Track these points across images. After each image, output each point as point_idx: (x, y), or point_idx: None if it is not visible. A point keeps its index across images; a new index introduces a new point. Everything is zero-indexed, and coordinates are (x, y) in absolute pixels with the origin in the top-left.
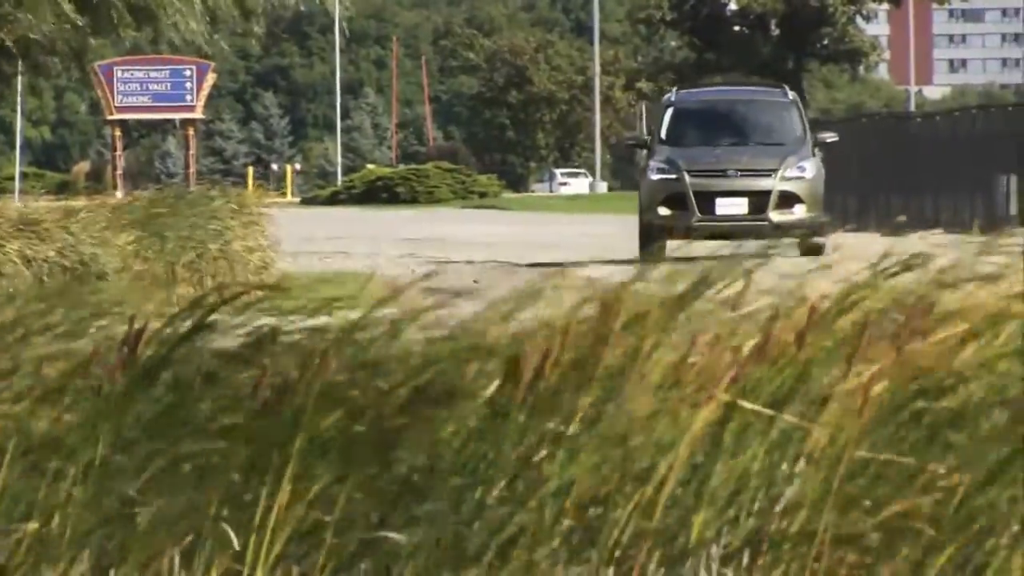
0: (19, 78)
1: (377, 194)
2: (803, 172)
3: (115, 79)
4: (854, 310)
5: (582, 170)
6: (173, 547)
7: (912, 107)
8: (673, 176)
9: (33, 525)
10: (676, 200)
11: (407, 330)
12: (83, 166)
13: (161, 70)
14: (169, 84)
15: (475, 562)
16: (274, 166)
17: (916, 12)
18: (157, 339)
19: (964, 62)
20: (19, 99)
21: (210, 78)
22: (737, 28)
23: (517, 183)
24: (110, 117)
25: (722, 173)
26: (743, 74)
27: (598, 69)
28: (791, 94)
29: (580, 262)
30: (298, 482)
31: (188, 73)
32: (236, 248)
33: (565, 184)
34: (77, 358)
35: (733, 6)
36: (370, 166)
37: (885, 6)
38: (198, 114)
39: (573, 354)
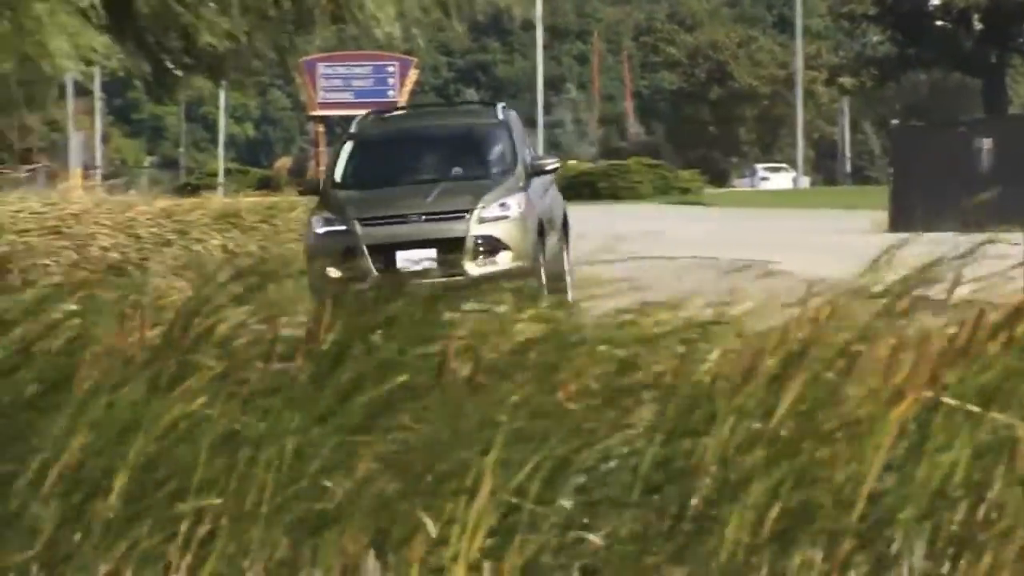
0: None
1: (578, 189)
2: (506, 210)
3: (318, 75)
4: None
5: (784, 165)
6: (366, 535)
7: None
8: (341, 228)
9: (218, 503)
10: (347, 256)
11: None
12: (285, 162)
13: (364, 66)
14: (372, 80)
15: (677, 560)
16: None
17: None
18: (336, 329)
19: None
20: (223, 96)
21: (412, 74)
22: (939, 23)
23: (719, 178)
24: (313, 113)
25: (402, 219)
26: (945, 69)
27: (801, 64)
28: (503, 113)
29: (772, 260)
30: (500, 469)
31: (391, 69)
32: None
33: (766, 179)
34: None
35: (935, 1)
36: (572, 161)
37: None
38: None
39: (782, 353)
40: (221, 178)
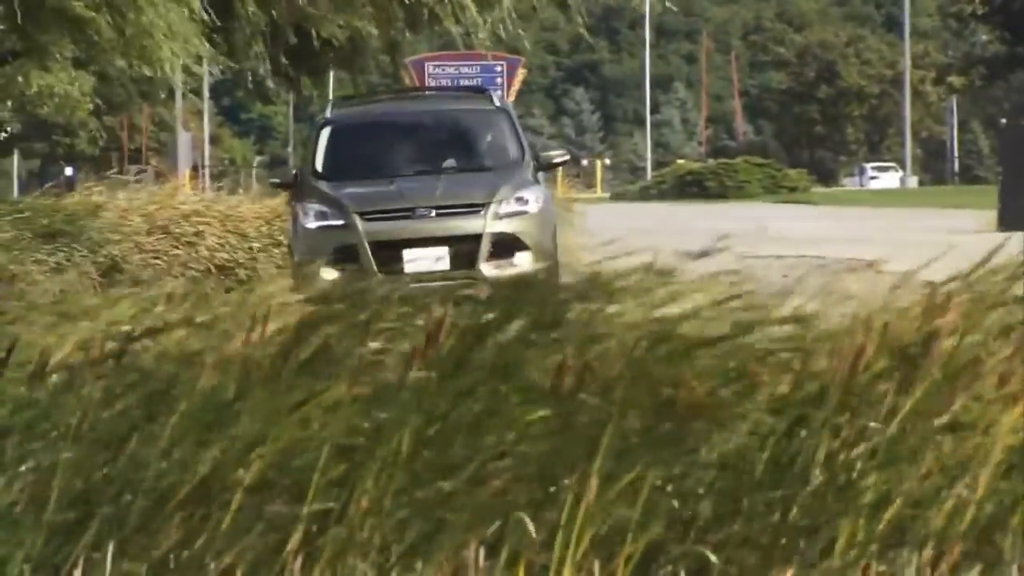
0: (330, 74)
1: (687, 189)
2: (524, 205)
3: (426, 75)
4: None
5: (892, 164)
6: (478, 538)
7: None
8: (338, 222)
9: (333, 507)
10: (345, 255)
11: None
12: None
13: (472, 66)
14: (480, 79)
15: (785, 563)
16: (584, 161)
17: None
18: (455, 332)
19: None
20: (330, 94)
21: (520, 74)
22: None
23: (827, 177)
24: None
25: (409, 213)
26: None
27: (908, 63)
28: (499, 100)
29: (882, 259)
30: (606, 476)
31: (499, 69)
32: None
33: (875, 178)
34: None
35: None
36: (680, 161)
37: None
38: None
39: (890, 353)
40: None
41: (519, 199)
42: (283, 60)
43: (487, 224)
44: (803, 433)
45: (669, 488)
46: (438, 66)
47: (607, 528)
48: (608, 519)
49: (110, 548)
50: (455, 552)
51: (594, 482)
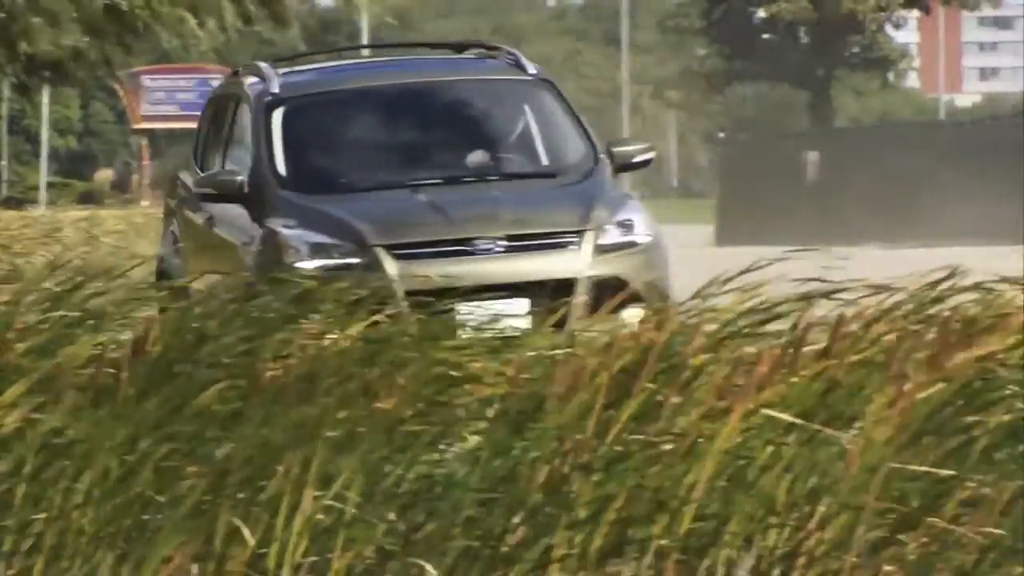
0: (45, 88)
1: None
2: (631, 233)
3: (141, 88)
4: (886, 323)
5: None
6: (187, 546)
7: (942, 115)
8: (354, 261)
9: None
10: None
11: None
12: (106, 173)
13: (189, 78)
14: (197, 93)
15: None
16: None
17: (945, 20)
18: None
19: (995, 70)
20: (45, 108)
21: None
22: (766, 36)
23: None
24: (136, 127)
25: (464, 246)
26: (772, 83)
27: (627, 77)
28: (532, 66)
29: None
30: (321, 481)
31: (216, 82)
32: None
33: None
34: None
35: (762, 14)
36: None
37: (915, 13)
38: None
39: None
40: (43, 191)
41: (623, 224)
42: None
43: (584, 262)
44: (521, 445)
45: (379, 498)
46: (155, 79)
47: (321, 540)
48: (320, 529)
49: None
50: (167, 562)
51: (308, 492)
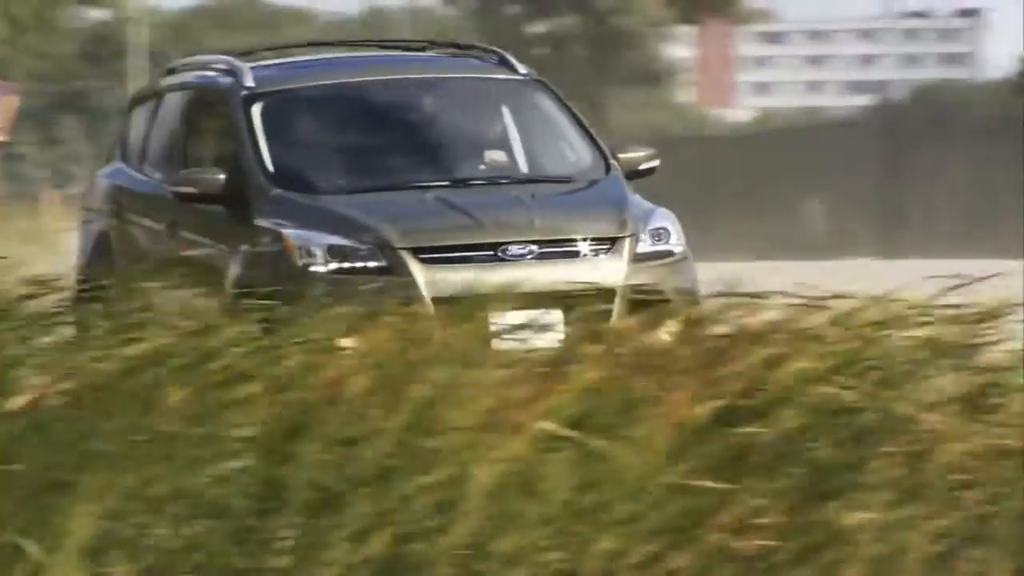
0: None
1: None
2: (665, 242)
3: None
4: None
5: None
6: None
7: (717, 131)
8: (375, 264)
9: None
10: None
11: None
12: None
13: None
14: None
15: None
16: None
17: (718, 35)
18: None
19: (768, 85)
20: None
21: (12, 100)
22: (538, 52)
23: None
24: None
25: (494, 253)
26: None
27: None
28: (522, 66)
29: None
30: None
31: None
32: None
33: None
34: None
35: (535, 30)
36: None
37: (689, 29)
38: (3, 137)
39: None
40: None
41: (656, 232)
42: None
43: (624, 271)
44: (294, 455)
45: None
46: None
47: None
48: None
49: None
50: None
51: (86, 501)
